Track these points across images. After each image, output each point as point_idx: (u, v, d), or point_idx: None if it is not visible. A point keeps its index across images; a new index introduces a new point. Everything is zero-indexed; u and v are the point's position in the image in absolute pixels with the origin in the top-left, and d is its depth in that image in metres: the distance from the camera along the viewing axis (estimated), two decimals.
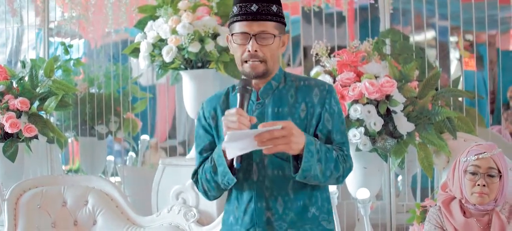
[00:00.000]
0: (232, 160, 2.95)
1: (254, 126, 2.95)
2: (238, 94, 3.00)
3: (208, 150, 3.15)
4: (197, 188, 3.17)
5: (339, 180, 3.04)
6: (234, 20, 3.06)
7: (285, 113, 3.05)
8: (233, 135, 2.83)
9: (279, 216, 3.05)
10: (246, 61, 3.05)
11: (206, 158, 3.14)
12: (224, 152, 2.98)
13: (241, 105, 2.98)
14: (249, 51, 3.03)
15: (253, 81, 3.08)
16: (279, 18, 3.05)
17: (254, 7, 3.03)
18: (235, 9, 3.06)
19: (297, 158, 2.94)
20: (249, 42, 3.03)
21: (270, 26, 3.03)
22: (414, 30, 5.40)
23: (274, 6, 3.05)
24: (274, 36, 3.04)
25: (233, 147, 2.88)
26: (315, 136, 3.06)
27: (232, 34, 3.08)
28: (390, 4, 5.40)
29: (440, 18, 5.53)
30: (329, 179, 2.99)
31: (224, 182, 3.04)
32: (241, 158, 2.92)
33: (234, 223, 3.14)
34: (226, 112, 2.96)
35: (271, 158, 3.03)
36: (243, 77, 3.07)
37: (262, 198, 3.06)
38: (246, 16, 3.03)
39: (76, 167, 6.72)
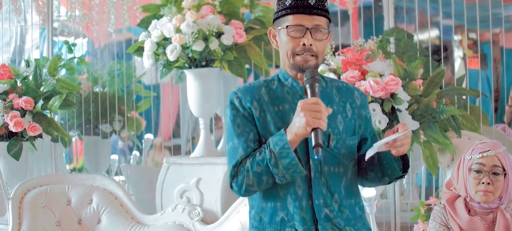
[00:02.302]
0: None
1: (329, 117, 2.92)
2: (307, 86, 2.93)
3: (255, 141, 3.01)
4: (234, 181, 3.01)
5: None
6: (288, 12, 3.00)
7: (335, 112, 3.01)
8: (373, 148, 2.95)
9: (337, 213, 3.01)
10: (298, 54, 3.00)
11: (255, 149, 3.00)
12: (290, 143, 2.90)
13: (314, 96, 2.92)
14: (304, 44, 2.97)
15: (298, 75, 3.04)
16: (329, 15, 3.03)
17: (311, 0, 2.99)
18: (288, 1, 3.00)
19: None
20: (304, 36, 2.98)
21: (324, 21, 3.00)
22: (418, 28, 5.40)
23: (326, 2, 3.02)
24: (329, 32, 3.02)
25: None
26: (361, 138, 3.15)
27: (285, 27, 3.00)
28: (393, 2, 5.40)
29: (444, 17, 5.52)
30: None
31: (288, 174, 2.92)
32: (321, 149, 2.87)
33: (287, 221, 3.02)
34: (304, 102, 2.86)
35: (329, 155, 2.98)
36: (307, 69, 2.99)
37: (319, 194, 3.00)
38: (303, 9, 2.98)
39: (80, 166, 6.72)
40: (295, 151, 2.89)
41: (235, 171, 3.00)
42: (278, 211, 3.04)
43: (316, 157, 2.81)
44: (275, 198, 3.04)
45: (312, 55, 2.99)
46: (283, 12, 3.01)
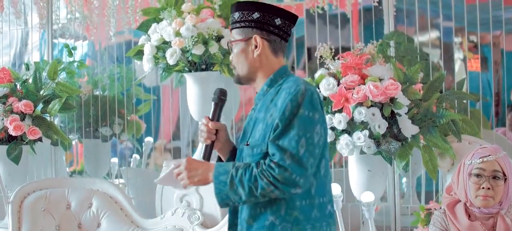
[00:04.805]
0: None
1: (252, 126, 3.05)
2: (212, 103, 3.13)
3: None
4: None
5: (276, 192, 2.91)
6: None
7: (260, 119, 3.03)
8: (162, 180, 3.29)
9: (242, 219, 3.06)
10: None
11: None
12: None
13: (213, 114, 3.12)
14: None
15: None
16: (238, 24, 3.09)
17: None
18: None
19: None
20: None
21: (234, 33, 3.11)
22: (418, 31, 5.38)
23: (236, 13, 3.09)
24: (228, 43, 3.13)
25: (175, 185, 3.17)
26: None
27: None
28: (394, 5, 5.39)
29: (444, 19, 5.51)
30: (262, 197, 2.93)
31: None
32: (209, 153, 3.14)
33: None
34: (203, 120, 3.12)
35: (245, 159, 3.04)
36: (220, 87, 3.18)
37: (231, 206, 3.13)
38: None
39: (80, 168, 6.72)
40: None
41: None
42: None
43: None
44: None
45: (233, 68, 3.14)
46: None
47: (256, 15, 3.06)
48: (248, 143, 3.02)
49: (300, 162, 2.89)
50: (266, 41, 3.07)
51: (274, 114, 2.95)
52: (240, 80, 3.13)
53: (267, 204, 2.98)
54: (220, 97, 3.13)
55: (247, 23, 3.06)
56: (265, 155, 2.96)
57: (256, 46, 3.07)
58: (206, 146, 3.12)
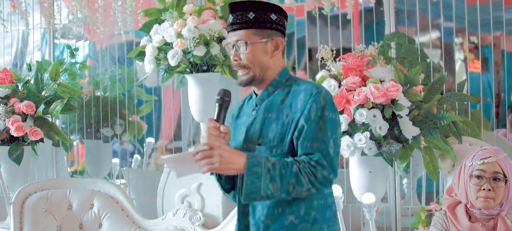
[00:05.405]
0: None
1: (263, 126, 3.02)
2: (216, 105, 3.07)
3: None
4: None
5: (311, 190, 2.94)
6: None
7: (272, 119, 3.02)
8: (171, 160, 3.03)
9: (255, 221, 3.04)
10: (235, 70, 3.13)
11: None
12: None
13: (218, 116, 3.06)
14: (235, 60, 3.08)
15: (253, 89, 3.14)
16: (257, 24, 3.04)
17: (230, 18, 3.09)
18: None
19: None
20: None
21: (246, 34, 3.05)
22: (419, 31, 5.39)
23: (251, 13, 3.04)
24: (247, 43, 3.03)
25: (181, 170, 3.01)
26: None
27: None
28: (394, 7, 5.39)
29: (445, 20, 5.51)
30: (294, 194, 2.92)
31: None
32: None
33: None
34: (207, 121, 3.06)
35: None
36: (239, 84, 3.11)
37: (241, 204, 3.11)
38: (229, 27, 3.10)
39: (81, 168, 6.73)
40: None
41: None
42: None
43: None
44: None
45: (244, 68, 3.07)
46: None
47: (273, 16, 3.06)
48: (260, 143, 3.01)
49: (332, 163, 2.94)
50: (283, 42, 3.09)
51: (291, 115, 2.97)
52: (254, 82, 3.07)
53: (285, 204, 2.99)
54: (224, 99, 3.08)
55: (268, 24, 3.05)
56: (286, 155, 2.97)
57: (276, 48, 3.07)
58: None
